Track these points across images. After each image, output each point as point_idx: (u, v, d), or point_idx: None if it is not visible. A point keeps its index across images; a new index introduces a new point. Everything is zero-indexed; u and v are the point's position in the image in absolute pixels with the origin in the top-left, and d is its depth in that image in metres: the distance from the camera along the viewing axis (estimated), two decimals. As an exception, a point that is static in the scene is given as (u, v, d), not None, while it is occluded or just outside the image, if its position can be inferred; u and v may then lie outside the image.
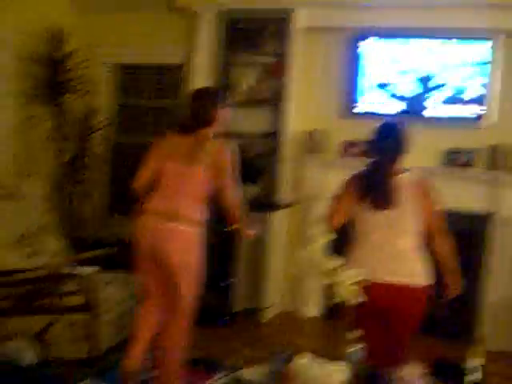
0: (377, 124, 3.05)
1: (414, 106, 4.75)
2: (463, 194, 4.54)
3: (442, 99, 4.68)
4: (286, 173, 5.10)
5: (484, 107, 4.59)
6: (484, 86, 4.57)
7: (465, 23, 4.58)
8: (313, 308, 5.17)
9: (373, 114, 4.85)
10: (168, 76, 5.76)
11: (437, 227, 2.97)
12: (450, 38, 4.64)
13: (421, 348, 3.04)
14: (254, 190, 4.97)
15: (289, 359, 2.48)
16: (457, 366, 2.30)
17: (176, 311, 3.27)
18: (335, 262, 2.11)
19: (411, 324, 2.93)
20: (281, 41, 5.02)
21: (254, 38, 5.13)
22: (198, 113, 3.27)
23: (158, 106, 5.83)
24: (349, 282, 2.08)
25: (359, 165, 4.76)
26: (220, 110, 3.31)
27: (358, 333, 2.19)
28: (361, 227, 2.95)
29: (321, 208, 4.98)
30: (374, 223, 2.91)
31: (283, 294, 5.22)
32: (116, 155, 6.06)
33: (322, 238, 2.17)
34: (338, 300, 2.14)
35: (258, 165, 5.04)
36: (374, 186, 2.89)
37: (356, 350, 2.17)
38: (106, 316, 3.80)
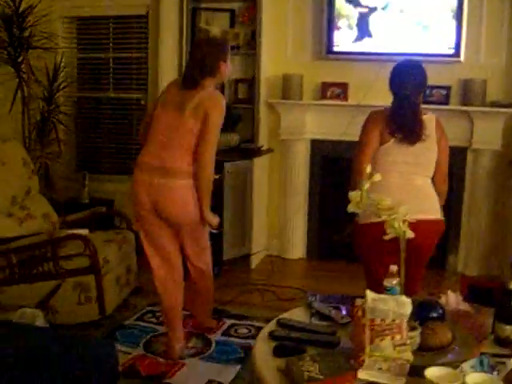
0: (396, 63, 3.06)
1: (389, 44, 4.78)
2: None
3: (414, 36, 4.72)
4: (264, 118, 5.09)
5: (455, 44, 4.65)
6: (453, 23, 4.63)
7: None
8: (298, 249, 5.28)
9: (347, 53, 4.87)
10: (132, 26, 5.57)
11: (445, 168, 3.07)
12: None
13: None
14: (233, 137, 4.95)
15: (324, 299, 2.55)
16: (490, 290, 2.41)
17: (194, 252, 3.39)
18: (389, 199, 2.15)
19: (429, 256, 3.07)
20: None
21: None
22: (200, 61, 3.15)
23: (121, 58, 5.67)
24: (404, 217, 2.14)
25: (337, 106, 4.92)
26: (223, 61, 3.21)
27: (395, 267, 2.25)
28: (383, 163, 2.95)
29: (300, 150, 5.13)
30: (398, 159, 2.94)
31: (269, 239, 5.31)
32: (80, 112, 5.89)
33: (373, 178, 2.19)
34: (392, 236, 2.19)
35: (234, 112, 5.00)
36: (407, 119, 2.90)
37: (396, 283, 2.23)
38: (109, 276, 3.78)
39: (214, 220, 3.29)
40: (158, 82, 5.13)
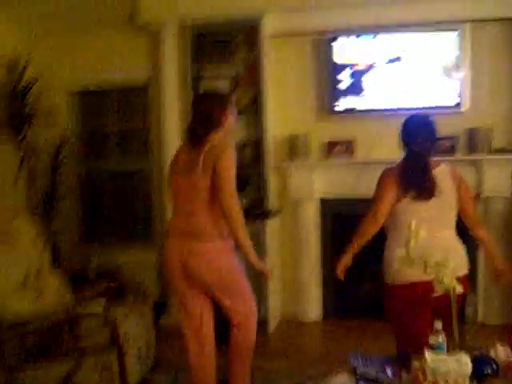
0: (407, 117, 3.06)
1: (391, 99, 4.82)
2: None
3: (416, 90, 4.78)
4: (271, 179, 5.07)
5: (458, 94, 4.71)
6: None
7: (430, 15, 4.70)
8: (315, 311, 5.18)
9: (351, 111, 4.90)
10: (133, 98, 5.60)
11: (477, 215, 3.03)
12: (417, 31, 4.74)
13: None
14: (242, 199, 4.89)
15: (367, 362, 2.46)
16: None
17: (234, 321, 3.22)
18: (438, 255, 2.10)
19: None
20: (251, 49, 4.97)
21: (223, 49, 5.03)
22: (205, 115, 3.09)
23: (123, 129, 5.68)
24: (454, 273, 2.09)
25: (344, 163, 4.92)
26: (227, 114, 3.16)
27: (440, 324, 2.18)
28: (401, 220, 2.88)
29: (310, 210, 5.09)
30: (416, 215, 2.85)
31: (285, 302, 5.20)
32: (83, 183, 5.85)
33: (421, 233, 2.14)
34: (440, 292, 2.13)
35: (243, 174, 4.96)
36: (417, 177, 2.88)
37: (442, 339, 2.16)
38: (130, 351, 3.64)
39: (261, 265, 3.14)
40: (162, 150, 5.12)
